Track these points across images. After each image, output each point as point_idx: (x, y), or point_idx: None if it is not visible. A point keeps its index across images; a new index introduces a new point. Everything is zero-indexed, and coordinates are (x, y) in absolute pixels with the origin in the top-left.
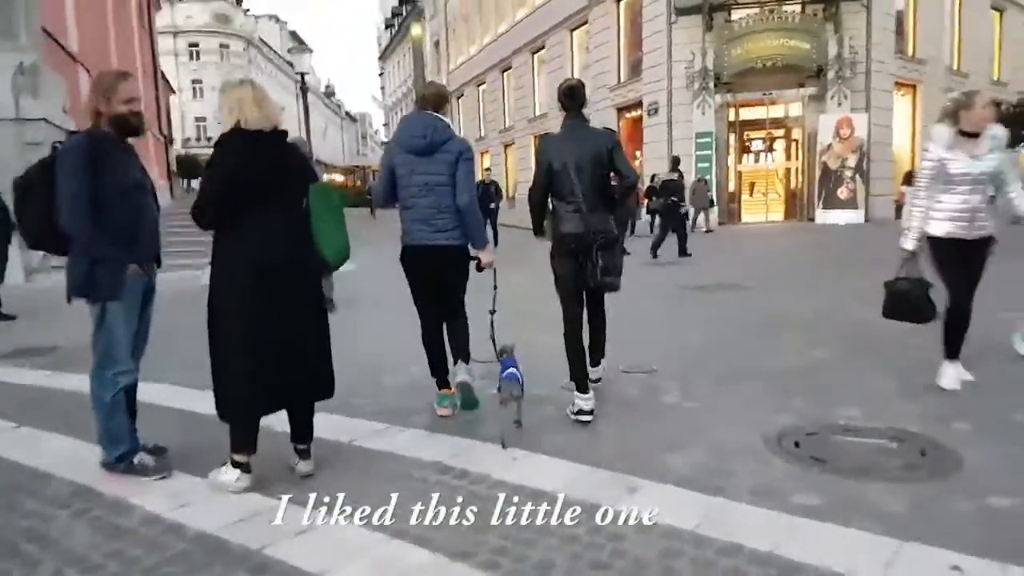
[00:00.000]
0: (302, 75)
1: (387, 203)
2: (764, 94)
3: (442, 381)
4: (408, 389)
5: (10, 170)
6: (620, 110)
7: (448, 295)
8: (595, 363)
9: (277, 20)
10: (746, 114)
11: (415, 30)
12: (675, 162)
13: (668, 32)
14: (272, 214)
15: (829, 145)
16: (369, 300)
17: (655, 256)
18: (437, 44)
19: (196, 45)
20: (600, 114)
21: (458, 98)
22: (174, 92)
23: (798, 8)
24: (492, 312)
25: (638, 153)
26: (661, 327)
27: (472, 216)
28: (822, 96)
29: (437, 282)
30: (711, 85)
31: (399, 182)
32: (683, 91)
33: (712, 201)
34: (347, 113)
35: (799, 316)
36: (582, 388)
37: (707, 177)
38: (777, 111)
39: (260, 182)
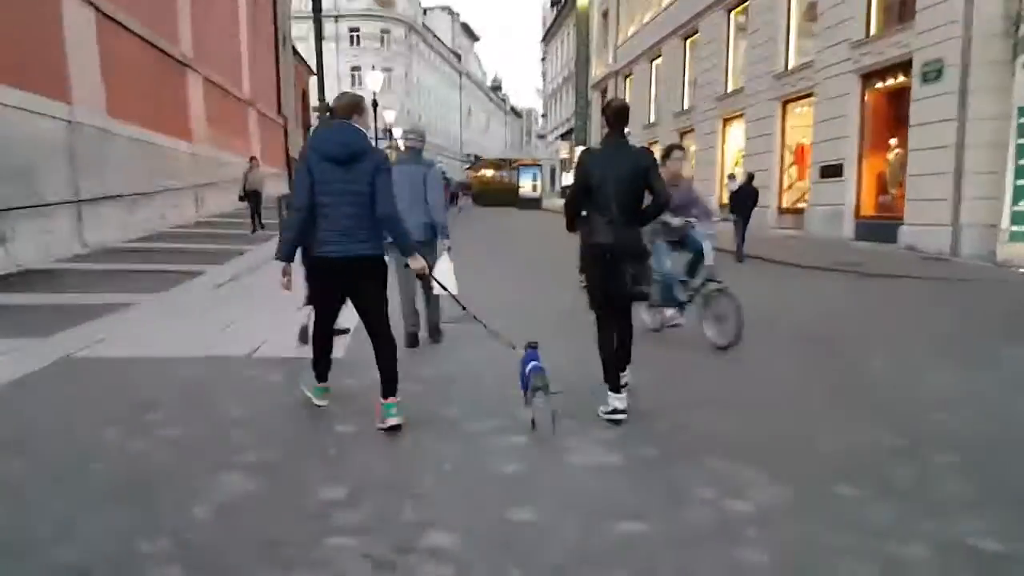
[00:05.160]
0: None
1: (308, 208)
2: None
3: (322, 376)
4: None
5: None
6: (866, 77)
7: (368, 308)
8: (622, 368)
9: (450, 12)
10: None
11: (581, 0)
12: None
13: None
14: None
15: None
16: None
17: None
18: (605, 14)
19: (356, 30)
20: (832, 82)
21: (626, 77)
22: (314, 73)
23: None
24: (464, 308)
25: (893, 141)
26: None
27: (396, 225)
28: None
29: (352, 290)
30: None
31: (316, 189)
32: (991, 42)
33: None
34: (512, 108)
35: None
36: (615, 388)
37: None
38: None
39: None
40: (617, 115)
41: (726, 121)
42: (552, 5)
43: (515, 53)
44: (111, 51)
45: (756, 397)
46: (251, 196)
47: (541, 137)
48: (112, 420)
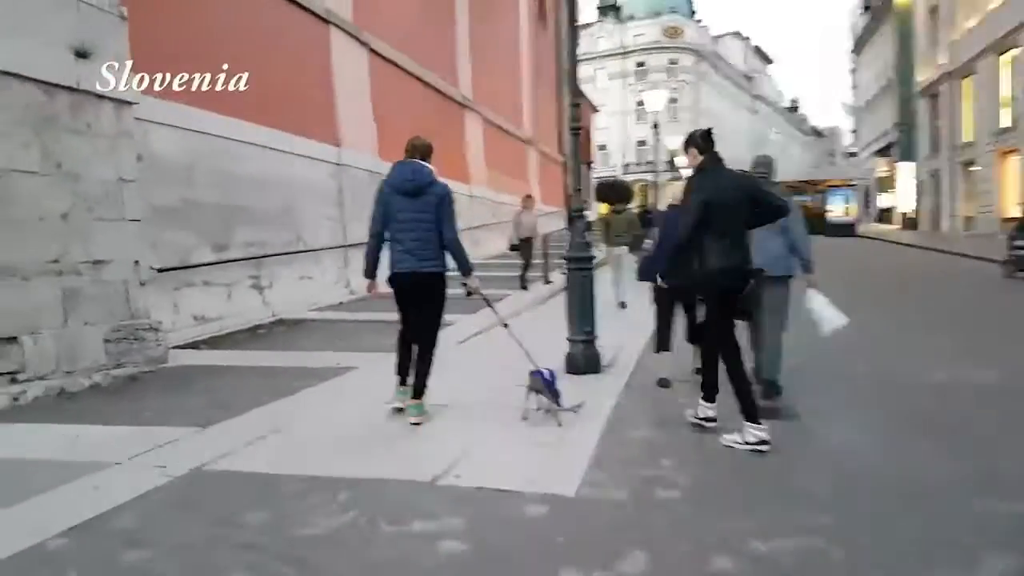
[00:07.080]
0: None
1: (380, 236)
2: None
3: (404, 379)
4: None
5: None
6: None
7: (424, 316)
8: (710, 398)
9: (740, 37)
10: None
11: None
12: None
13: None
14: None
15: None
16: None
17: None
18: (934, 10)
19: (643, 64)
20: None
21: (963, 78)
22: (596, 110)
23: None
24: (505, 325)
25: None
26: None
27: (459, 249)
28: None
29: (417, 302)
30: None
31: (390, 218)
32: None
33: None
34: (812, 128)
35: None
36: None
37: None
38: None
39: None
40: (706, 139)
41: None
42: (865, 10)
43: (814, 71)
44: (384, 92)
45: None
46: (523, 245)
47: (852, 155)
48: None
